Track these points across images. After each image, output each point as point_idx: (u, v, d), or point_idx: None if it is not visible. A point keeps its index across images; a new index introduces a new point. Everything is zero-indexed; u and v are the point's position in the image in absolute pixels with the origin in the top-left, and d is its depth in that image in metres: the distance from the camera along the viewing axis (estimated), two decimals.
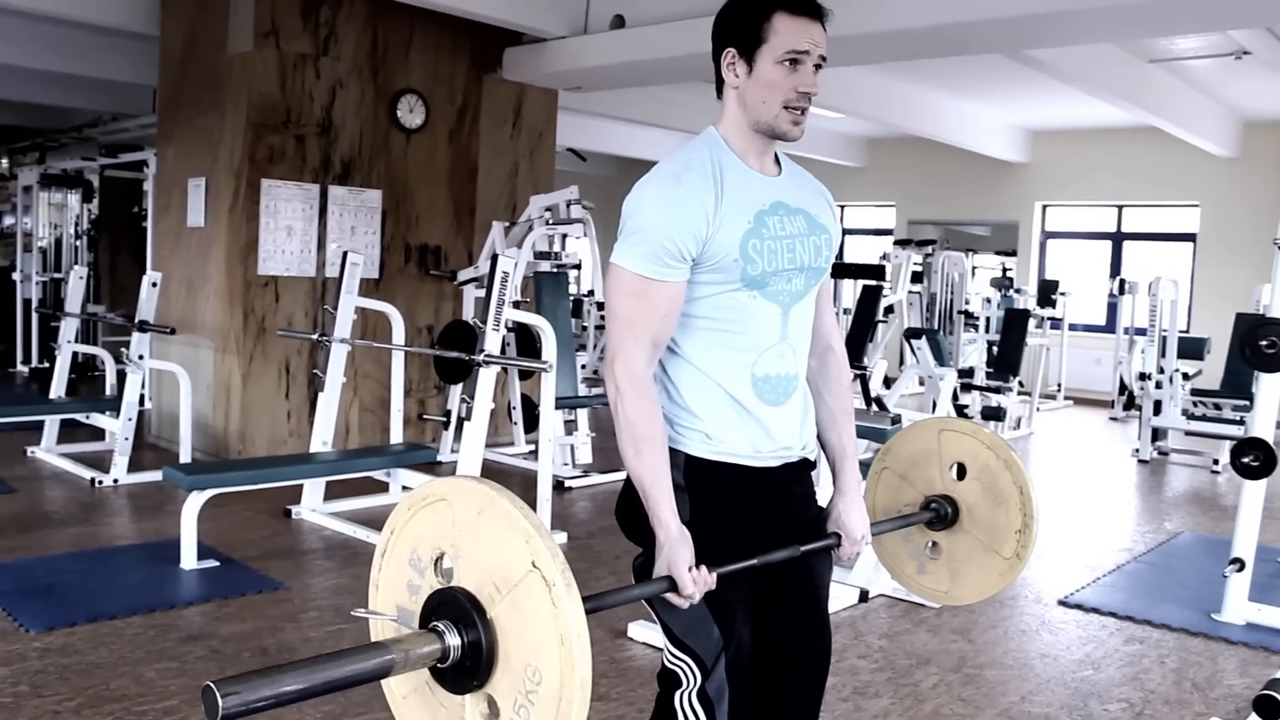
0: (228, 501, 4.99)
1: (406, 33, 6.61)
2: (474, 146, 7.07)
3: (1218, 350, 9.27)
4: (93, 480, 5.60)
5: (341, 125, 6.38)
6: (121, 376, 5.97)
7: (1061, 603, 4.25)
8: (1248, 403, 7.18)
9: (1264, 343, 3.83)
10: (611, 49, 6.41)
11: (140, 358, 5.80)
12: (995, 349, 9.26)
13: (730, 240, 1.66)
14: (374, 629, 1.56)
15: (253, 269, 6.09)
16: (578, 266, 6.76)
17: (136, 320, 5.81)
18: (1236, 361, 7.64)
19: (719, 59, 1.73)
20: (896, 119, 9.37)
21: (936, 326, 9.55)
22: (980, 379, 8.50)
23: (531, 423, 6.16)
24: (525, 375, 6.40)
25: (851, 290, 9.59)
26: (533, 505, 2.71)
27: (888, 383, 9.21)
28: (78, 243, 10.38)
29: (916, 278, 9.86)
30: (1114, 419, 9.91)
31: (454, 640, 1.38)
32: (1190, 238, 10.96)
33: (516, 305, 5.81)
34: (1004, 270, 12.26)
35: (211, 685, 1.19)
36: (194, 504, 4.24)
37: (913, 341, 8.06)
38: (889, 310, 8.78)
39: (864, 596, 4.12)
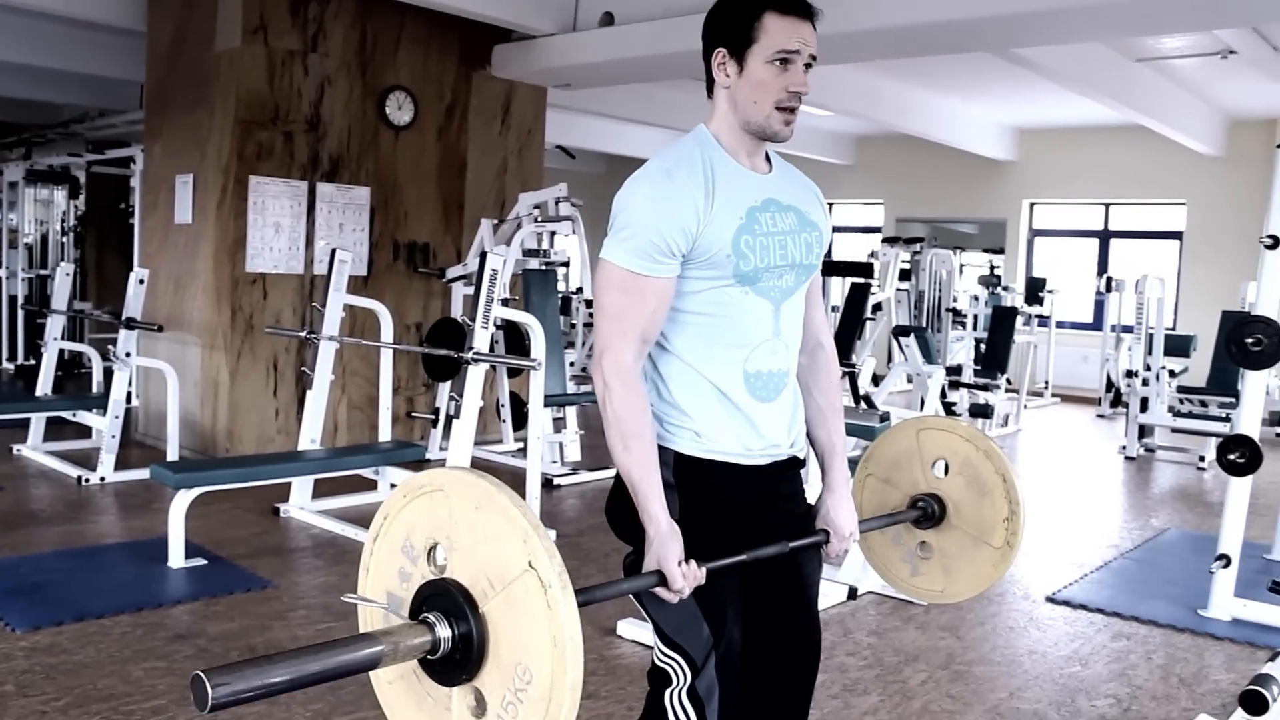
0: (215, 500, 4.97)
1: (395, 29, 6.60)
2: (463, 144, 7.05)
3: (1204, 348, 9.34)
4: (79, 478, 5.57)
5: (330, 122, 6.36)
6: (108, 374, 5.94)
7: (1049, 599, 4.27)
8: (1233, 400, 7.24)
9: (1250, 340, 3.85)
10: (600, 46, 6.41)
11: (127, 355, 5.77)
12: (983, 346, 9.28)
13: (723, 236, 1.66)
14: (363, 614, 1.56)
15: (241, 266, 6.07)
16: (566, 264, 6.75)
17: (124, 317, 5.77)
18: (1222, 359, 7.69)
19: (709, 59, 1.73)
20: (885, 117, 9.39)
21: (925, 324, 9.59)
22: (968, 376, 8.52)
23: (520, 420, 6.15)
24: (514, 373, 6.40)
25: (840, 288, 9.61)
26: None
27: (876, 380, 9.25)
28: (64, 239, 10.33)
29: (905, 275, 9.88)
30: (1101, 416, 9.96)
31: (444, 632, 1.38)
32: (1177, 236, 11.02)
33: (505, 303, 5.79)
34: (992, 268, 12.28)
35: (201, 675, 1.20)
36: (181, 502, 4.22)
37: (901, 339, 8.08)
38: (877, 308, 8.79)
39: (853, 594, 4.13)
